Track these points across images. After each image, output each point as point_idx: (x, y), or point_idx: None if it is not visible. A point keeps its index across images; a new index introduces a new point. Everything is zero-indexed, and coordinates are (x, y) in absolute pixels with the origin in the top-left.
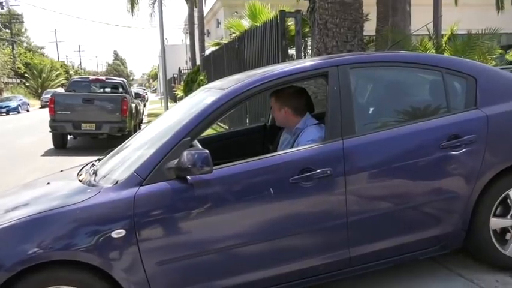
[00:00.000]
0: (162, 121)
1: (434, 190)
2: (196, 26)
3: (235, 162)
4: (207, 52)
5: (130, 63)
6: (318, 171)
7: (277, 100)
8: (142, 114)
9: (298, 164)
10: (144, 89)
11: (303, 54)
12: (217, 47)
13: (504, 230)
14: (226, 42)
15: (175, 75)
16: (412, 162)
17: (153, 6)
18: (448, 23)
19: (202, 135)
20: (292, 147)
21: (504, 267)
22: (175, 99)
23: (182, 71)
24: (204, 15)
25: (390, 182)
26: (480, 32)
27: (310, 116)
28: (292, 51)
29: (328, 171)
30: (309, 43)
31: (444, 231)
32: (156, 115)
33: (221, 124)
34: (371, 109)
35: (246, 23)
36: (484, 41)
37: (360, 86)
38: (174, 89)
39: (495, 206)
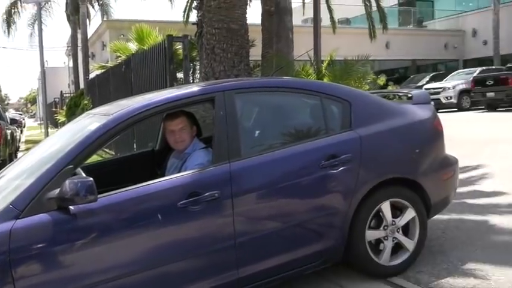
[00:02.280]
0: (42, 148)
1: (315, 207)
2: (80, 48)
3: (121, 189)
4: (92, 75)
5: (6, 87)
6: (206, 194)
7: (171, 122)
8: (19, 141)
9: (186, 188)
10: (21, 114)
11: (191, 78)
12: (102, 70)
13: (378, 241)
14: (112, 65)
15: (57, 99)
16: (295, 182)
17: (33, 26)
18: (327, 50)
19: (87, 162)
20: (180, 171)
21: (379, 275)
22: (56, 124)
23: (64, 95)
24: (89, 37)
25: (276, 201)
26: (355, 58)
27: (198, 140)
28: (181, 75)
29: (216, 194)
30: (198, 67)
31: (326, 245)
32: (35, 142)
33: (107, 150)
34: (256, 132)
35: (133, 46)
36: (359, 67)
37: (245, 110)
38: (56, 114)
39: (370, 219)
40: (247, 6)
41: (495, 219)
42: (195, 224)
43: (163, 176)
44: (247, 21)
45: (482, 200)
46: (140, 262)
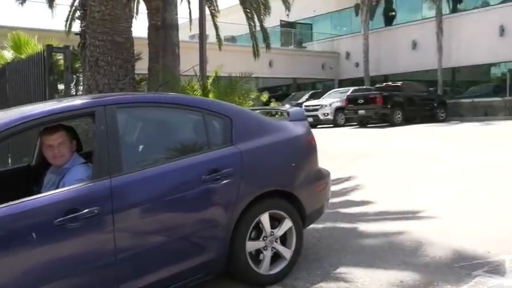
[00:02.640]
0: None
1: (198, 221)
2: None
3: None
4: None
5: None
6: (85, 211)
7: (50, 137)
8: None
9: (64, 205)
10: None
11: (74, 90)
12: None
13: (258, 251)
14: None
15: None
16: (178, 196)
17: None
18: (213, 66)
19: None
20: (58, 187)
21: (259, 284)
22: None
23: None
24: None
25: (158, 216)
26: (240, 75)
27: (77, 155)
28: (62, 87)
29: (96, 211)
30: (82, 79)
31: (209, 258)
32: None
33: None
34: (140, 147)
35: (8, 55)
36: (243, 83)
37: (128, 125)
38: None
39: (250, 230)
40: (134, 20)
41: (363, 226)
42: (74, 241)
43: (39, 192)
44: (134, 35)
45: (352, 209)
46: (16, 284)
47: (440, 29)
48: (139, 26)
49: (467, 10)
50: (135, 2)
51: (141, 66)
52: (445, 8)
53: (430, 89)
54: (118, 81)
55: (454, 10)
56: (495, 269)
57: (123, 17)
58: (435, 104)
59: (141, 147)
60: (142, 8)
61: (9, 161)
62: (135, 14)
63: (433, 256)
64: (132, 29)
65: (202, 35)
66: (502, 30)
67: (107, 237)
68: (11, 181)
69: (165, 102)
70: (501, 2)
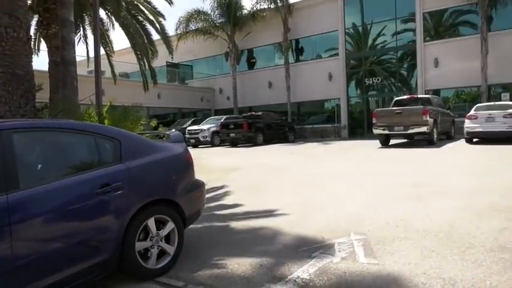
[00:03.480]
0: None
1: (92, 228)
2: None
3: None
4: None
5: None
6: None
7: None
8: None
9: None
10: None
11: None
12: None
13: (146, 250)
14: None
15: None
16: (73, 208)
17: None
18: (110, 97)
19: None
20: None
21: (149, 277)
22: None
23: None
24: None
25: (57, 225)
26: (132, 105)
27: None
28: None
29: None
30: None
31: (103, 258)
32: None
33: None
34: (38, 166)
35: None
36: (135, 112)
37: (27, 147)
38: None
39: (138, 233)
40: (35, 55)
41: (233, 224)
42: None
43: None
44: (36, 68)
45: (225, 211)
46: None
47: (288, 73)
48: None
49: (306, 60)
50: (37, 40)
51: (43, 96)
52: (291, 58)
53: (283, 117)
54: (19, 109)
55: (297, 60)
56: (328, 250)
57: (23, 53)
58: (287, 129)
59: (39, 166)
60: (44, 46)
61: None
62: (36, 50)
63: (284, 244)
64: (32, 63)
65: (97, 71)
66: (330, 76)
67: (4, 246)
68: None
69: (60, 128)
70: (329, 56)
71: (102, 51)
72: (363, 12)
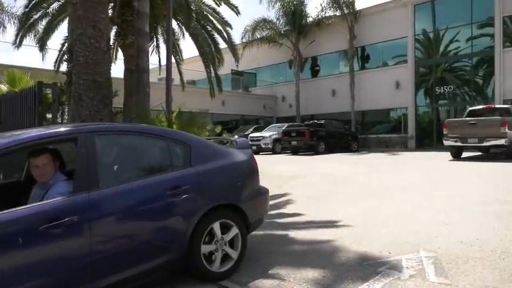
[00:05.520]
0: None
1: (162, 228)
2: None
3: None
4: None
5: None
6: (66, 219)
7: (36, 158)
8: None
9: (48, 214)
10: None
11: (60, 119)
12: None
13: (211, 253)
14: None
15: None
16: (145, 208)
17: None
18: (177, 103)
19: None
20: (42, 200)
21: (212, 280)
22: None
23: None
24: None
25: (128, 224)
26: (198, 111)
27: (60, 173)
28: (50, 116)
29: (75, 219)
30: (67, 110)
31: (172, 257)
32: None
33: None
34: (114, 167)
35: (4, 88)
36: (201, 118)
37: (105, 149)
38: None
39: (204, 236)
40: (112, 64)
41: (294, 233)
42: (57, 245)
43: (26, 204)
44: (112, 75)
45: (286, 219)
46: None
47: (352, 81)
48: (117, 68)
49: (373, 68)
50: (114, 49)
51: (118, 101)
52: (356, 66)
53: (346, 126)
54: (98, 113)
55: (362, 67)
56: (394, 266)
57: (102, 62)
58: (350, 138)
59: (115, 167)
60: (120, 55)
61: (1, 177)
62: (114, 59)
63: (347, 257)
64: (111, 71)
65: (168, 79)
66: (397, 84)
67: (84, 241)
68: (1, 194)
69: (137, 131)
70: (396, 63)
71: (172, 59)
72: (434, 17)
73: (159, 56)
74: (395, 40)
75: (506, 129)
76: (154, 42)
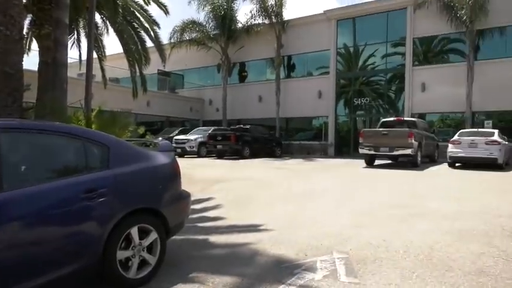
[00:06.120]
0: None
1: (75, 232)
2: None
3: None
4: None
5: None
6: None
7: None
8: None
9: None
10: None
11: None
12: None
13: (127, 259)
14: None
15: None
16: (58, 212)
17: None
18: (99, 101)
19: None
20: None
21: (129, 287)
22: None
23: None
24: None
25: (38, 229)
26: (120, 110)
27: None
28: None
29: None
30: None
31: (85, 264)
32: None
33: None
34: (22, 168)
35: None
36: (123, 118)
37: (11, 147)
38: None
39: (120, 241)
40: (26, 55)
41: (215, 238)
42: None
43: None
44: (25, 67)
45: (208, 224)
46: None
47: (278, 88)
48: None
49: (297, 77)
50: (28, 39)
51: (31, 96)
52: (282, 74)
53: (271, 132)
54: (6, 108)
55: (288, 76)
56: (310, 267)
57: (14, 52)
58: (274, 144)
59: (22, 168)
60: (35, 46)
61: None
62: (27, 50)
63: (266, 260)
64: (23, 62)
65: (88, 76)
66: (320, 94)
67: None
68: None
69: (47, 130)
70: (319, 74)
71: (94, 55)
72: (355, 33)
73: (79, 51)
74: (319, 52)
75: (413, 140)
76: (75, 36)
